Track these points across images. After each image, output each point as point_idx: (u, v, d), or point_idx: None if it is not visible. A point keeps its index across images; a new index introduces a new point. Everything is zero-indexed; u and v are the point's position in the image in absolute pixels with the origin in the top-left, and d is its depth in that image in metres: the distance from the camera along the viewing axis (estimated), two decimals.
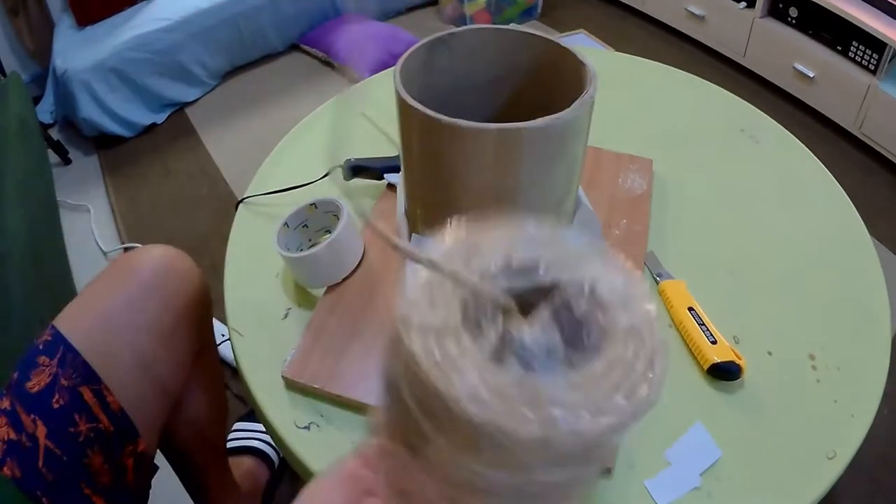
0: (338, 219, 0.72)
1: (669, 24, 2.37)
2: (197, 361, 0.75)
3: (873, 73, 1.75)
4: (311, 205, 0.73)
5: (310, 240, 0.76)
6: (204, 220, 1.73)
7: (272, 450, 1.15)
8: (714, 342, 0.63)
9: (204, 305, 0.75)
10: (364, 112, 0.86)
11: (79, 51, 2.00)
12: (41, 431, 0.60)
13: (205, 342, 0.79)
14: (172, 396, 0.71)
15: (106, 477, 0.62)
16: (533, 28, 2.46)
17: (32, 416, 0.59)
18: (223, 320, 0.74)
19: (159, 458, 0.74)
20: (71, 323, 0.65)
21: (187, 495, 0.96)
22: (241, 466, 1.09)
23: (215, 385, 0.86)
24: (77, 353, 0.63)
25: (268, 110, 2.10)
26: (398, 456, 0.31)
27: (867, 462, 1.17)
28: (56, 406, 0.60)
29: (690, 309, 0.67)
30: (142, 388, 0.66)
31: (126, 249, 1.67)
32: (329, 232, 0.76)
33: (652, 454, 0.58)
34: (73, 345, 0.63)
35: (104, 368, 0.63)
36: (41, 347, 0.64)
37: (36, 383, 0.61)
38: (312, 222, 0.75)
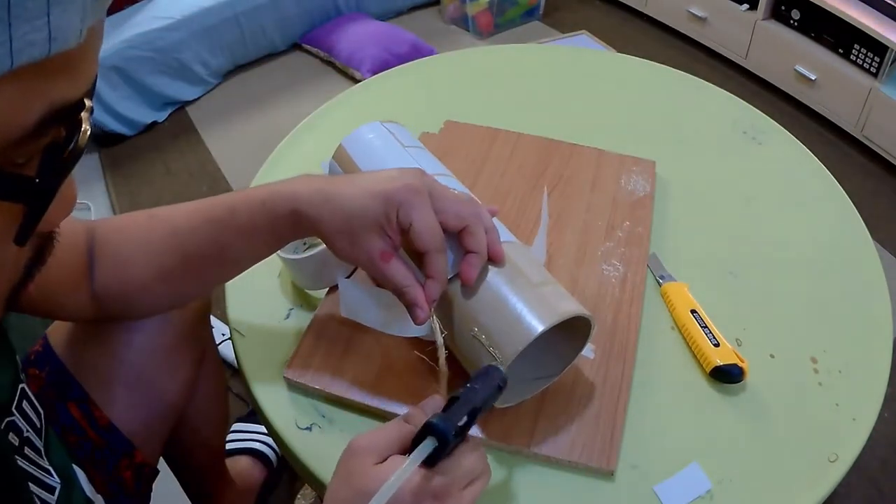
0: None
1: (671, 25, 2.36)
2: (198, 365, 0.75)
3: (875, 75, 1.75)
4: None
5: (304, 243, 0.75)
6: None
7: (270, 450, 1.15)
8: (717, 345, 0.63)
9: (204, 315, 0.75)
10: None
11: None
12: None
13: (205, 347, 0.78)
14: (176, 408, 0.70)
15: (102, 488, 0.62)
16: (535, 29, 2.46)
17: None
18: (224, 320, 0.73)
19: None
20: (62, 336, 0.64)
21: (184, 494, 0.96)
22: (237, 465, 1.09)
23: (217, 388, 0.86)
24: (64, 368, 0.62)
25: (269, 109, 2.10)
26: None
27: (869, 465, 1.17)
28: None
29: (693, 311, 0.67)
30: (135, 403, 0.65)
31: None
32: None
33: (656, 455, 0.58)
34: (62, 360, 0.62)
35: (93, 384, 0.62)
36: (32, 358, 0.64)
37: None
38: None
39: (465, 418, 0.44)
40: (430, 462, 0.43)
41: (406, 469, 0.41)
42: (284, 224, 0.52)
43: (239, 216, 0.53)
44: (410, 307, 0.52)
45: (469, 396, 0.46)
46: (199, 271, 0.56)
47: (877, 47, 1.71)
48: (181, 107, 2.15)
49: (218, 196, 0.55)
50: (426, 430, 0.43)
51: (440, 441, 0.43)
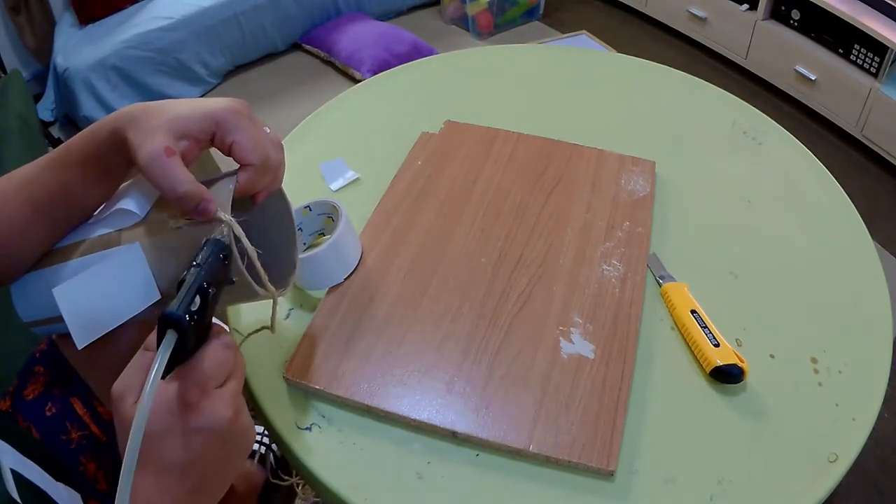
0: (332, 220, 0.71)
1: (671, 25, 2.37)
2: None
3: (875, 75, 1.75)
4: (306, 207, 0.73)
5: (304, 243, 0.75)
6: None
7: (270, 452, 1.15)
8: (717, 345, 0.63)
9: None
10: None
11: (80, 49, 2.00)
12: (35, 438, 0.60)
13: None
14: None
15: (102, 484, 0.62)
16: (535, 29, 2.46)
17: (27, 423, 0.60)
18: (224, 319, 0.73)
19: None
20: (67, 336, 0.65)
21: None
22: None
23: None
24: (68, 365, 0.63)
25: (269, 109, 2.10)
26: None
27: (868, 465, 1.17)
28: (49, 414, 0.60)
29: (693, 311, 0.67)
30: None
31: None
32: (323, 234, 0.76)
33: (656, 456, 0.58)
34: (67, 357, 0.63)
35: (96, 381, 0.63)
36: (37, 356, 0.64)
37: (31, 391, 0.62)
38: (306, 225, 0.74)
39: (196, 298, 0.42)
40: (178, 360, 0.43)
41: (155, 376, 0.40)
42: (108, 148, 0.51)
43: (73, 151, 0.52)
44: (198, 204, 0.49)
45: (193, 275, 0.44)
46: (51, 216, 0.55)
47: (877, 47, 1.71)
48: None
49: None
50: (162, 325, 0.41)
51: (179, 330, 0.41)
